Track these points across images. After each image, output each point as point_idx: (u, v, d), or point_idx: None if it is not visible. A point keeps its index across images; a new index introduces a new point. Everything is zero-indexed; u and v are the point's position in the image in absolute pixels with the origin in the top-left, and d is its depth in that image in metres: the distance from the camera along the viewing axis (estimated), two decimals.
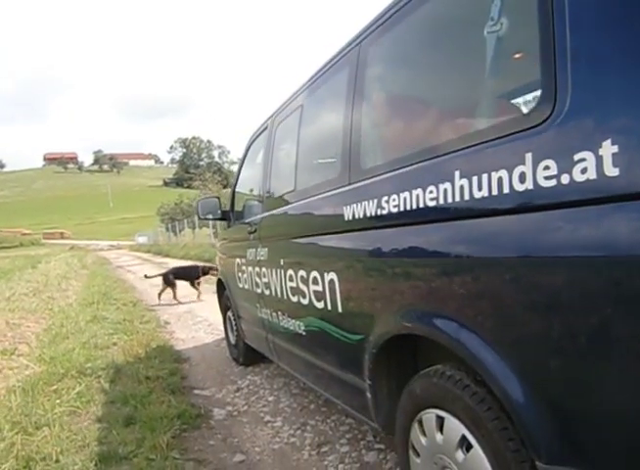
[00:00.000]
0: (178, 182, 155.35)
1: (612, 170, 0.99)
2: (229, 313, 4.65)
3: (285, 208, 2.85)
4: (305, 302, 2.51)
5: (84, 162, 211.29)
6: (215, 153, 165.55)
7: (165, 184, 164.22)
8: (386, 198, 1.74)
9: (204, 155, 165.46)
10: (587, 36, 1.11)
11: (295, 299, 2.66)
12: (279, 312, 2.99)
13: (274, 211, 3.02)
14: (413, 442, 1.77)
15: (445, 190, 1.45)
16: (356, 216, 1.95)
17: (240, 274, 3.84)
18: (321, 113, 2.70)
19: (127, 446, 2.79)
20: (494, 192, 1.27)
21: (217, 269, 5.52)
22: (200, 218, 4.49)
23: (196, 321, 7.00)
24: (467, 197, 1.37)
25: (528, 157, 1.17)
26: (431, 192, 1.51)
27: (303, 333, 2.63)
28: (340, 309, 2.14)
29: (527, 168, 1.17)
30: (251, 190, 3.87)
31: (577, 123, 1.09)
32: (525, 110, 1.63)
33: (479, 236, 1.37)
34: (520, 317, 1.24)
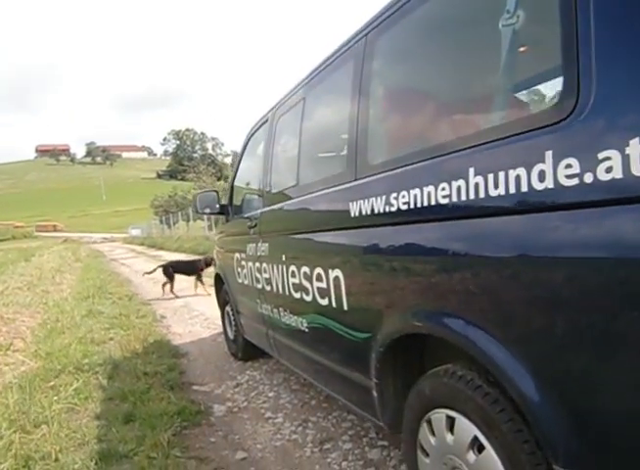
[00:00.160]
0: (172, 174, 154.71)
1: None
2: (227, 308, 4.62)
3: (287, 203, 2.81)
4: (309, 298, 2.48)
5: (77, 154, 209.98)
6: (209, 145, 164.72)
7: (159, 176, 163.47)
8: (395, 195, 1.71)
9: (197, 147, 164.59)
10: (613, 24, 1.06)
11: (297, 295, 2.63)
12: (280, 308, 2.96)
13: (275, 206, 2.97)
14: (421, 441, 1.75)
15: (459, 187, 1.41)
16: (363, 213, 1.91)
17: (239, 269, 3.80)
18: (325, 106, 2.65)
19: (127, 444, 2.76)
20: (511, 190, 1.24)
21: None
22: (198, 213, 4.44)
23: (192, 315, 6.96)
24: (482, 195, 1.33)
25: (549, 155, 1.13)
26: (443, 189, 1.48)
27: (306, 330, 2.60)
28: (345, 307, 2.11)
29: (548, 167, 1.14)
30: (251, 184, 3.82)
31: (602, 120, 1.05)
32: (544, 106, 1.59)
33: (494, 235, 1.34)
34: (537, 317, 1.21)
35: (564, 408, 1.18)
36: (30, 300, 7.99)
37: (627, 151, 0.97)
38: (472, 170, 1.37)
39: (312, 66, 2.66)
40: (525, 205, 1.21)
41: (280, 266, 2.83)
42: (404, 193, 1.66)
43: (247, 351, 4.32)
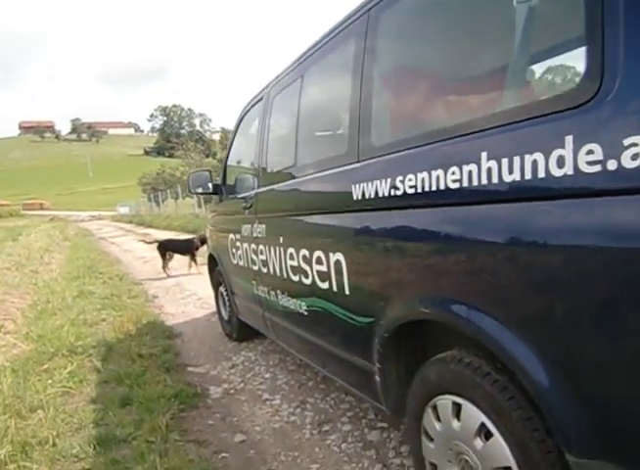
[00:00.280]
0: (159, 151, 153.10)
1: None
2: (221, 289, 4.57)
3: (285, 183, 2.74)
4: (308, 281, 2.44)
5: (62, 130, 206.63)
6: (197, 121, 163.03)
7: (146, 153, 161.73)
8: (401, 178, 1.66)
9: (185, 123, 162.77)
10: None
11: (295, 278, 2.59)
12: (278, 291, 2.92)
13: (273, 187, 2.90)
14: (426, 427, 1.74)
15: (470, 172, 1.37)
16: (367, 196, 1.86)
17: (234, 250, 3.75)
18: (324, 85, 2.57)
19: (125, 428, 2.74)
20: (527, 176, 1.19)
21: None
22: (191, 193, 4.36)
23: (185, 295, 6.93)
24: (495, 180, 1.29)
25: (569, 139, 1.09)
26: (453, 173, 1.43)
27: (305, 312, 2.57)
28: (347, 291, 2.08)
29: (567, 152, 1.09)
30: (245, 164, 3.75)
31: (629, 104, 1.00)
32: (564, 87, 1.53)
33: (505, 222, 1.30)
34: (549, 302, 1.18)
35: (578, 395, 1.16)
36: (19, 280, 7.89)
37: None
38: (484, 154, 1.32)
39: (310, 43, 2.57)
40: (542, 191, 1.17)
41: (277, 248, 2.79)
42: (411, 176, 1.61)
43: (241, 331, 4.29)
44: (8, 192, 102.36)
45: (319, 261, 2.28)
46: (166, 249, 8.74)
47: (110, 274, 8.87)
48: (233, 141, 4.13)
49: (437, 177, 1.49)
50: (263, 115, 3.23)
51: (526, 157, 1.19)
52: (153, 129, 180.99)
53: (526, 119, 1.22)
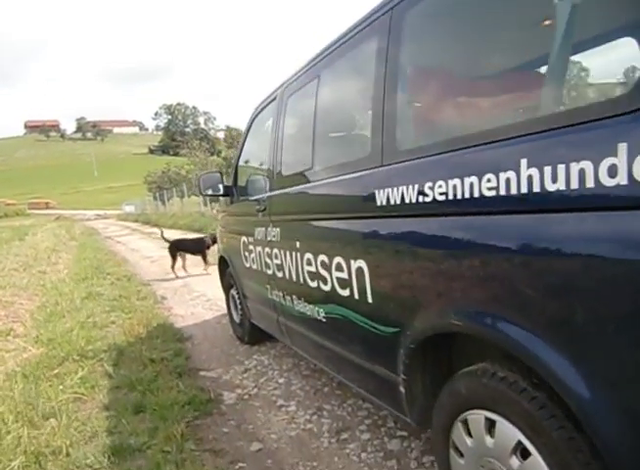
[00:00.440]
0: (164, 150, 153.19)
1: None
2: (232, 291, 4.52)
3: (301, 186, 2.66)
4: (327, 288, 2.38)
5: (67, 129, 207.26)
6: (201, 119, 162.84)
7: (151, 152, 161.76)
8: (430, 184, 1.58)
9: (189, 121, 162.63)
10: None
11: (313, 284, 2.53)
12: (294, 296, 2.86)
13: (289, 190, 2.82)
14: (455, 441, 1.68)
15: (508, 179, 1.30)
16: (392, 202, 1.79)
17: (246, 254, 3.69)
18: (343, 86, 2.49)
19: (139, 437, 2.69)
20: (573, 185, 1.12)
21: None
22: (202, 195, 4.31)
23: (193, 296, 6.88)
24: (536, 189, 1.22)
25: (622, 147, 1.02)
26: (489, 180, 1.36)
27: (323, 319, 2.51)
28: (369, 300, 2.01)
29: (621, 161, 1.02)
30: (258, 165, 3.68)
31: None
32: (617, 90, 1.46)
33: (547, 233, 1.23)
34: (595, 317, 1.12)
35: (628, 414, 1.10)
36: (27, 281, 7.87)
37: None
38: (524, 161, 1.25)
39: (327, 42, 2.49)
40: (591, 202, 1.10)
41: (294, 253, 2.72)
42: (441, 183, 1.54)
43: (253, 334, 4.24)
44: (14, 191, 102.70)
45: (339, 268, 2.21)
46: (178, 249, 8.68)
47: (117, 275, 8.83)
48: (244, 142, 4.06)
49: (471, 184, 1.42)
50: (277, 116, 3.16)
51: (572, 165, 1.12)
52: (157, 128, 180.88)
53: (573, 125, 1.15)
